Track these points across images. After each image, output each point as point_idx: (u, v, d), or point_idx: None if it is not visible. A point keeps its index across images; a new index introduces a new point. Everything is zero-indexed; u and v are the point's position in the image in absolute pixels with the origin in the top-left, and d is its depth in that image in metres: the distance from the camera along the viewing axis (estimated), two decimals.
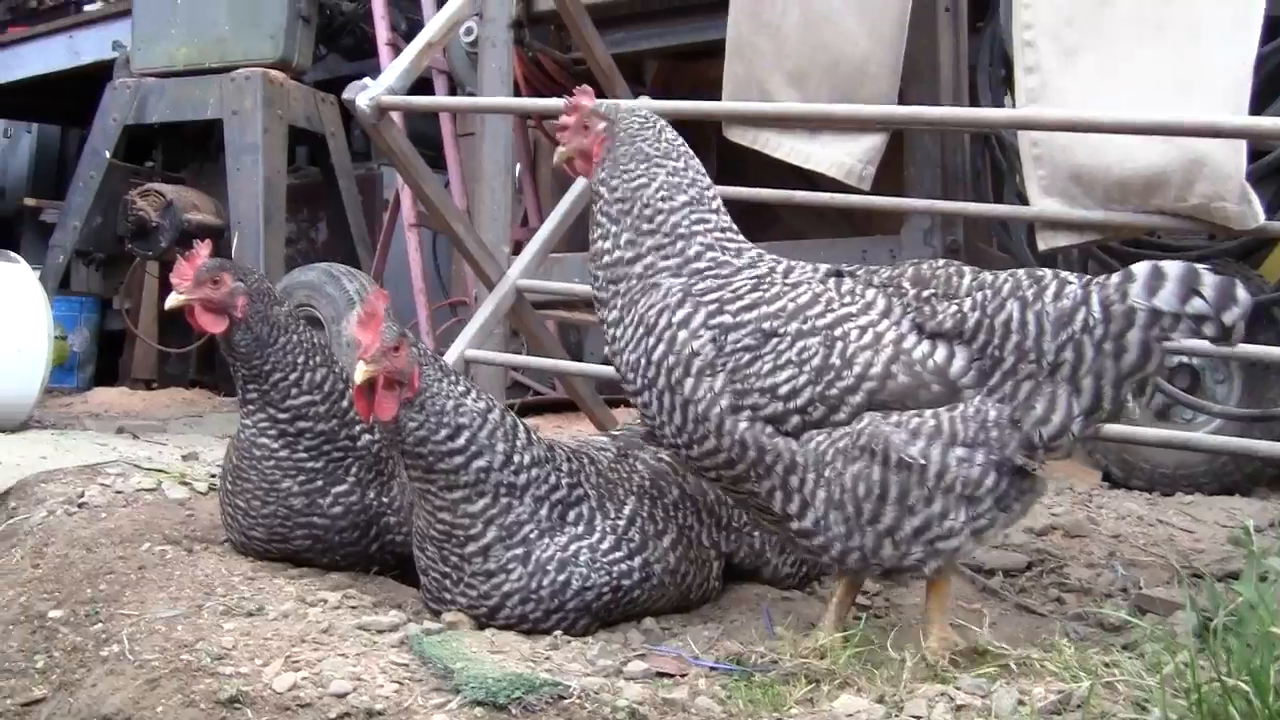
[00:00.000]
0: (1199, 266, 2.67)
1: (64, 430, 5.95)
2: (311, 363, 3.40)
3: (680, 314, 2.82)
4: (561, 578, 2.96)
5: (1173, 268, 2.66)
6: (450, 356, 4.30)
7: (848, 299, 2.82)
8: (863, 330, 2.76)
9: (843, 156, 4.77)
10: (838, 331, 2.76)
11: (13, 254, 6.09)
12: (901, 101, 4.78)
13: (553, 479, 3.03)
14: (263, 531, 3.38)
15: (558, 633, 2.95)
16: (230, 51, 8.30)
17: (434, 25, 4.18)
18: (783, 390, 2.73)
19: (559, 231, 4.84)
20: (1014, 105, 4.68)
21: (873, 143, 4.76)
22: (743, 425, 2.74)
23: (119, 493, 4.06)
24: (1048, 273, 2.77)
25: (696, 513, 3.26)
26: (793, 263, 2.99)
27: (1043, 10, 4.25)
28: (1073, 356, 2.67)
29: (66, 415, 6.83)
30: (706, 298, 2.84)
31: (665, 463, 3.29)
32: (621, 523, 3.07)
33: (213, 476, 4.37)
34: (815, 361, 2.73)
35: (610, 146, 3.02)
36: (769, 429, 2.73)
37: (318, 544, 3.37)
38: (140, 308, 10.06)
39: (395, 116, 4.43)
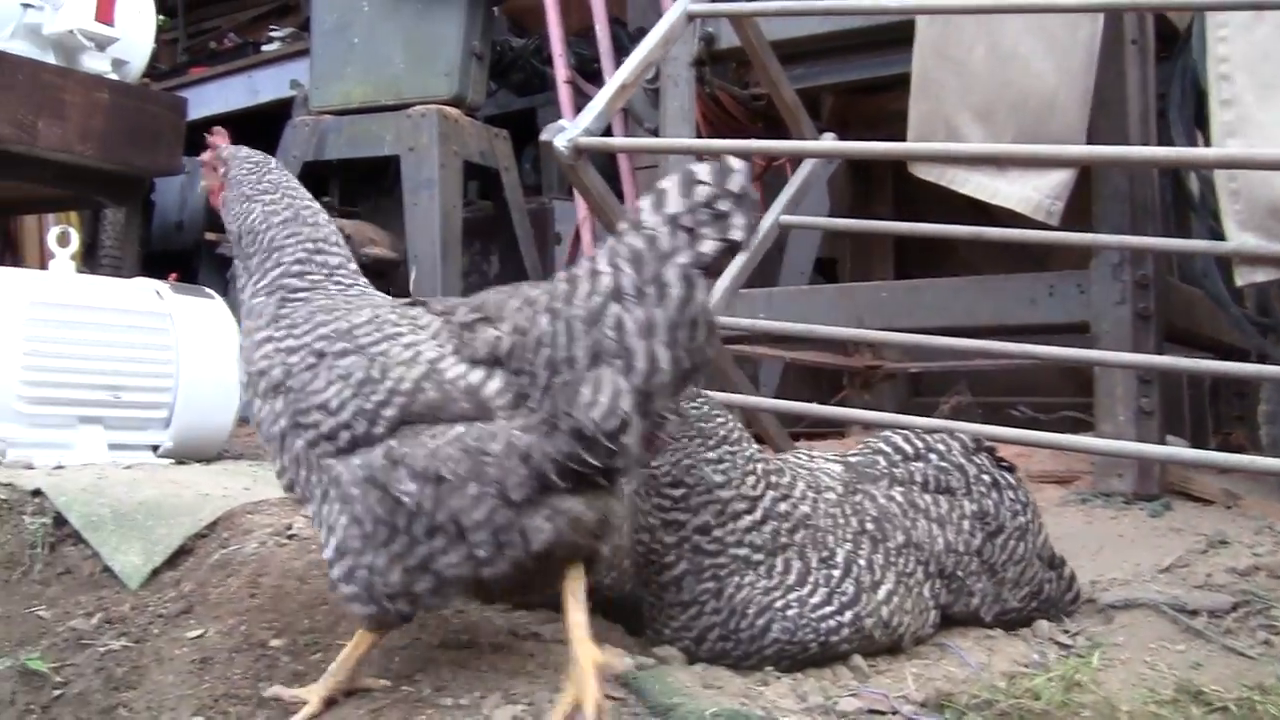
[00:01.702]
0: (691, 166, 2.55)
1: (256, 461, 6.09)
2: None
3: (260, 336, 2.99)
4: (760, 622, 2.96)
5: (669, 180, 2.56)
6: None
7: (404, 323, 2.84)
8: (406, 348, 2.76)
9: (1030, 192, 4.75)
10: (381, 348, 2.78)
11: (209, 290, 6.28)
12: (1090, 136, 4.75)
13: (747, 550, 3.03)
14: None
15: (769, 668, 2.97)
16: (406, 89, 8.44)
17: (628, 67, 4.24)
18: (332, 404, 2.76)
19: (749, 267, 4.89)
20: (1207, 139, 4.63)
21: (1061, 178, 4.73)
22: (299, 444, 2.81)
23: None
24: (599, 262, 2.62)
25: (922, 562, 3.20)
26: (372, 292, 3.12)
27: (1239, 44, 4.21)
28: (614, 336, 2.53)
29: (252, 446, 7.00)
30: (281, 323, 2.98)
31: (895, 502, 3.26)
32: (836, 573, 3.04)
33: None
34: (358, 375, 2.75)
35: (227, 189, 3.27)
36: (320, 449, 2.77)
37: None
38: None
39: None
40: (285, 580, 3.60)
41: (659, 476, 3.03)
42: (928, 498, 3.31)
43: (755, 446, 3.16)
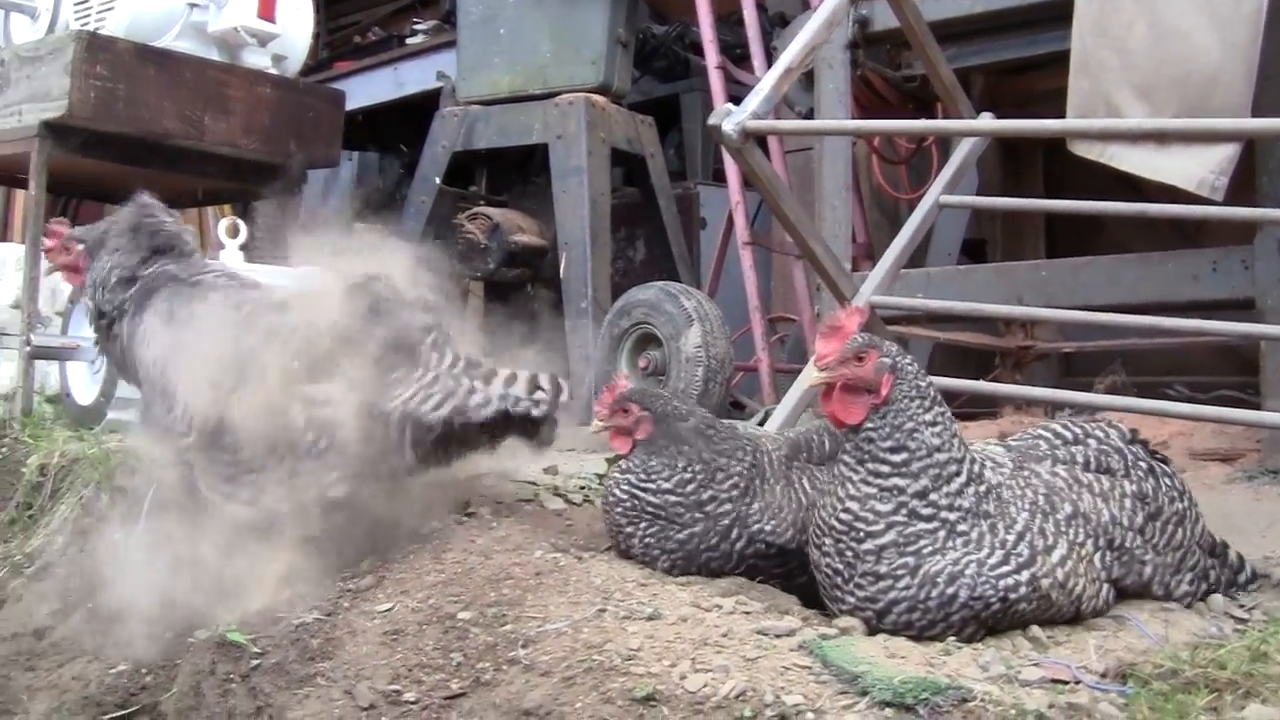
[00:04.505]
0: None
1: None
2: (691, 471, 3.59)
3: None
4: (950, 591, 3.00)
5: None
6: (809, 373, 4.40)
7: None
8: None
9: (1194, 167, 4.72)
10: None
11: None
12: (1253, 111, 4.70)
13: (957, 515, 3.08)
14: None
15: (950, 639, 3.01)
16: (552, 78, 8.51)
17: (793, 50, 4.27)
18: None
19: (910, 248, 4.91)
20: None
21: (1226, 153, 4.70)
22: None
23: (499, 503, 4.27)
24: None
25: (1090, 534, 3.23)
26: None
27: None
28: None
29: None
30: None
31: (1060, 478, 3.30)
32: (1011, 538, 3.08)
33: (583, 489, 4.57)
34: None
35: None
36: None
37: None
38: None
39: None
40: (468, 555, 3.70)
41: (877, 440, 3.10)
42: (1090, 476, 3.34)
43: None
